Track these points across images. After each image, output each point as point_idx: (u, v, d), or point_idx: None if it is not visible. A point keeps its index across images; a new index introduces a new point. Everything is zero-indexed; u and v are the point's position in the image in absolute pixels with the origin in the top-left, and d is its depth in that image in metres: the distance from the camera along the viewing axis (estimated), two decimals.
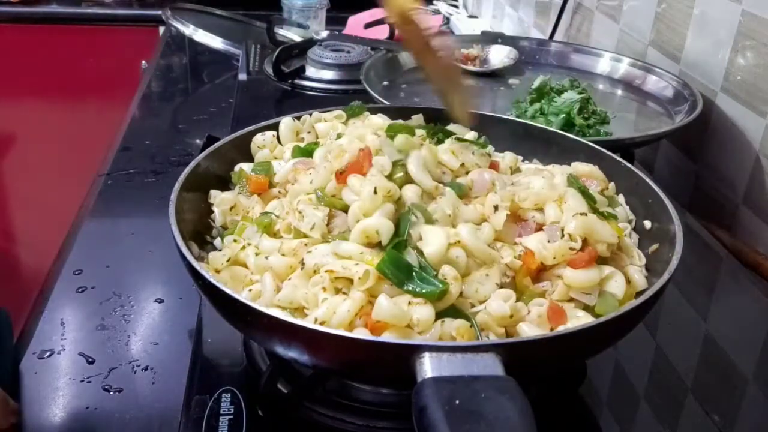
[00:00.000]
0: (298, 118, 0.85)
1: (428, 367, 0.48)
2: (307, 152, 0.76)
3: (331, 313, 0.57)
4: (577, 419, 0.68)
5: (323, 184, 0.69)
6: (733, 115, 1.07)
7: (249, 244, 0.67)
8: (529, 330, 0.59)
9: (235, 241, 0.68)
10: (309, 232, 0.64)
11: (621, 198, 0.76)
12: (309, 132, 0.82)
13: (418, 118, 0.85)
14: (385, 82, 1.26)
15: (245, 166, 0.77)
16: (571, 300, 0.63)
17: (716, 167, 1.11)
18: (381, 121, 0.82)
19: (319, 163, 0.73)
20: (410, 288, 0.58)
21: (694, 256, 0.93)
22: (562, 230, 0.64)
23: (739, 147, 1.05)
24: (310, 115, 0.86)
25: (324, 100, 1.41)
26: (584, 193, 0.68)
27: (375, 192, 0.63)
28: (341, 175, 0.68)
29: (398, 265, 0.59)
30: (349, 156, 0.69)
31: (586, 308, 0.63)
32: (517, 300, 0.61)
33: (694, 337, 0.79)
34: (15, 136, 2.43)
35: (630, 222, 0.74)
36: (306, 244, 0.64)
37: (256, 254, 0.65)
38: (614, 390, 0.71)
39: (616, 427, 0.68)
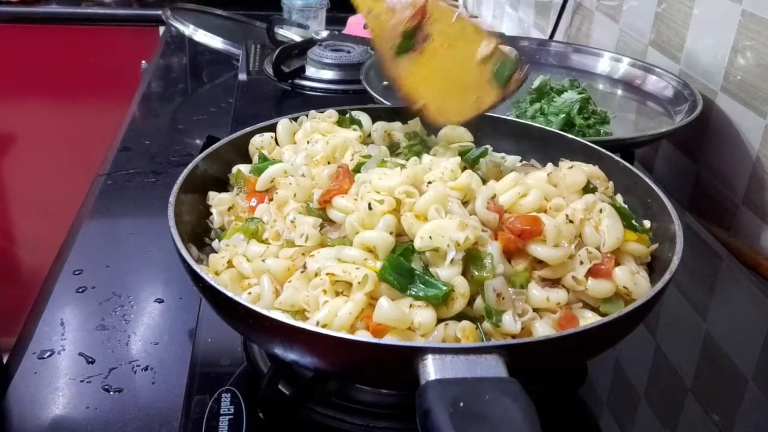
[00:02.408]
0: (295, 119, 0.85)
1: (431, 369, 0.48)
2: (261, 170, 0.75)
3: (332, 316, 0.57)
4: (577, 420, 0.68)
5: (308, 197, 0.69)
6: (733, 115, 1.07)
7: (236, 253, 0.67)
8: (542, 329, 0.59)
9: (228, 245, 0.68)
10: (303, 243, 0.64)
11: (619, 197, 0.76)
12: (309, 141, 0.80)
13: (414, 123, 0.84)
14: (385, 82, 1.25)
15: (243, 168, 0.77)
16: (579, 300, 0.64)
17: (716, 167, 1.12)
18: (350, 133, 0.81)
19: (298, 174, 0.72)
20: (413, 292, 0.58)
21: (694, 256, 0.93)
22: (598, 248, 0.64)
23: (739, 147, 1.05)
24: (307, 116, 0.86)
25: (324, 100, 1.41)
26: (619, 211, 0.68)
27: (369, 207, 0.62)
28: (325, 203, 0.67)
29: (400, 270, 0.58)
30: (327, 178, 0.69)
31: (593, 308, 0.63)
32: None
33: (694, 337, 0.79)
34: (15, 136, 2.42)
35: None
36: (304, 253, 0.63)
37: (248, 261, 0.65)
38: (614, 390, 0.71)
39: (616, 428, 0.68)
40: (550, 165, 0.77)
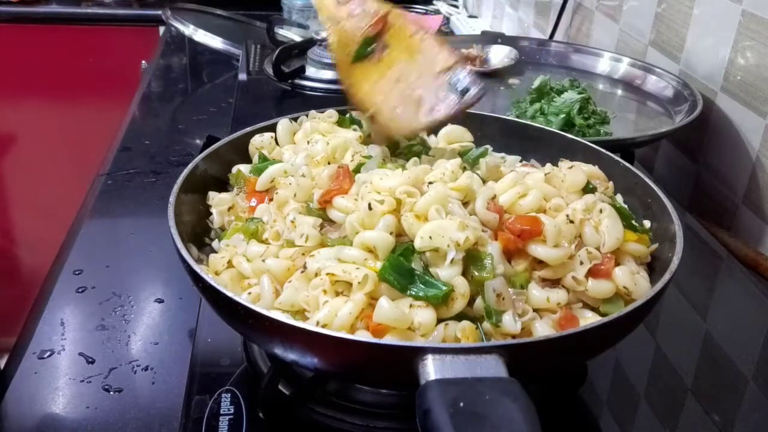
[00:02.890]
0: (295, 119, 0.85)
1: (431, 369, 0.48)
2: (261, 170, 0.75)
3: (332, 316, 0.57)
4: (577, 419, 0.68)
5: (308, 197, 0.69)
6: (733, 115, 1.07)
7: (236, 254, 0.67)
8: (542, 329, 0.59)
9: (228, 245, 0.68)
10: (303, 243, 0.64)
11: (619, 198, 0.76)
12: (309, 141, 0.80)
13: None
14: None
15: (243, 168, 0.77)
16: (579, 300, 0.64)
17: (716, 167, 1.12)
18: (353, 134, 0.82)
19: (298, 174, 0.72)
20: (413, 292, 0.58)
21: (694, 256, 0.93)
22: (598, 248, 0.65)
23: (739, 147, 1.05)
24: (307, 116, 0.86)
25: (324, 100, 1.40)
26: (619, 211, 0.68)
27: (370, 208, 0.62)
28: (326, 203, 0.67)
29: (400, 270, 0.58)
30: (327, 178, 0.69)
31: (593, 308, 0.63)
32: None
33: (694, 337, 0.79)
34: (15, 136, 2.43)
35: None
36: (304, 253, 0.64)
37: (248, 261, 0.65)
38: (614, 390, 0.71)
39: (616, 427, 0.68)
40: (549, 165, 0.77)
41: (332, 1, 0.78)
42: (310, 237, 0.64)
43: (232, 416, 0.63)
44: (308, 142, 0.79)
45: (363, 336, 0.56)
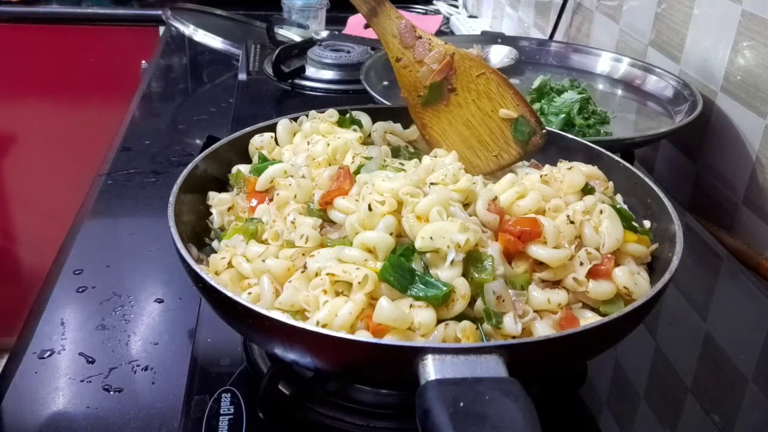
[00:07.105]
0: (295, 119, 0.85)
1: (431, 369, 0.48)
2: (261, 170, 0.75)
3: (332, 316, 0.56)
4: (577, 420, 0.68)
5: (308, 198, 0.69)
6: (733, 115, 1.07)
7: (236, 254, 0.67)
8: (542, 330, 0.59)
9: (227, 245, 0.68)
10: (303, 244, 0.64)
11: (619, 198, 0.76)
12: (309, 142, 0.80)
13: (413, 131, 0.85)
14: (386, 82, 1.26)
15: (243, 168, 0.77)
16: (578, 301, 0.64)
17: (716, 167, 1.12)
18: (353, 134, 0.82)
19: (298, 175, 0.72)
20: (414, 292, 0.58)
21: (694, 256, 0.93)
22: (598, 249, 0.65)
23: (739, 147, 1.05)
24: (307, 116, 0.86)
25: (324, 100, 1.41)
26: (620, 212, 0.68)
27: (370, 208, 0.62)
28: (327, 204, 0.67)
29: (401, 270, 0.58)
30: (328, 179, 0.69)
31: (593, 308, 0.63)
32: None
33: (694, 337, 0.79)
34: (15, 136, 2.42)
35: None
36: (304, 254, 0.64)
37: (248, 261, 0.65)
38: (614, 390, 0.71)
39: (616, 428, 0.68)
40: (547, 166, 0.78)
41: (398, 44, 0.80)
42: (310, 238, 0.64)
43: (232, 416, 0.63)
44: (308, 143, 0.79)
45: (363, 336, 0.56)
